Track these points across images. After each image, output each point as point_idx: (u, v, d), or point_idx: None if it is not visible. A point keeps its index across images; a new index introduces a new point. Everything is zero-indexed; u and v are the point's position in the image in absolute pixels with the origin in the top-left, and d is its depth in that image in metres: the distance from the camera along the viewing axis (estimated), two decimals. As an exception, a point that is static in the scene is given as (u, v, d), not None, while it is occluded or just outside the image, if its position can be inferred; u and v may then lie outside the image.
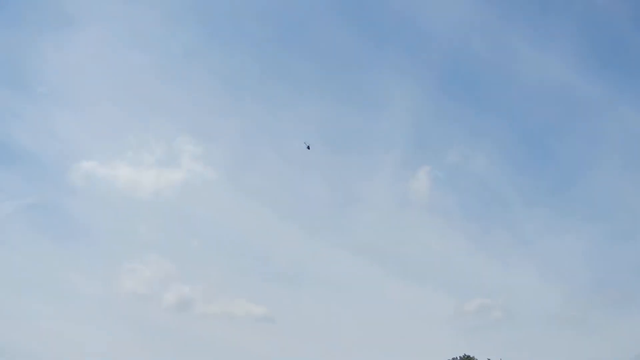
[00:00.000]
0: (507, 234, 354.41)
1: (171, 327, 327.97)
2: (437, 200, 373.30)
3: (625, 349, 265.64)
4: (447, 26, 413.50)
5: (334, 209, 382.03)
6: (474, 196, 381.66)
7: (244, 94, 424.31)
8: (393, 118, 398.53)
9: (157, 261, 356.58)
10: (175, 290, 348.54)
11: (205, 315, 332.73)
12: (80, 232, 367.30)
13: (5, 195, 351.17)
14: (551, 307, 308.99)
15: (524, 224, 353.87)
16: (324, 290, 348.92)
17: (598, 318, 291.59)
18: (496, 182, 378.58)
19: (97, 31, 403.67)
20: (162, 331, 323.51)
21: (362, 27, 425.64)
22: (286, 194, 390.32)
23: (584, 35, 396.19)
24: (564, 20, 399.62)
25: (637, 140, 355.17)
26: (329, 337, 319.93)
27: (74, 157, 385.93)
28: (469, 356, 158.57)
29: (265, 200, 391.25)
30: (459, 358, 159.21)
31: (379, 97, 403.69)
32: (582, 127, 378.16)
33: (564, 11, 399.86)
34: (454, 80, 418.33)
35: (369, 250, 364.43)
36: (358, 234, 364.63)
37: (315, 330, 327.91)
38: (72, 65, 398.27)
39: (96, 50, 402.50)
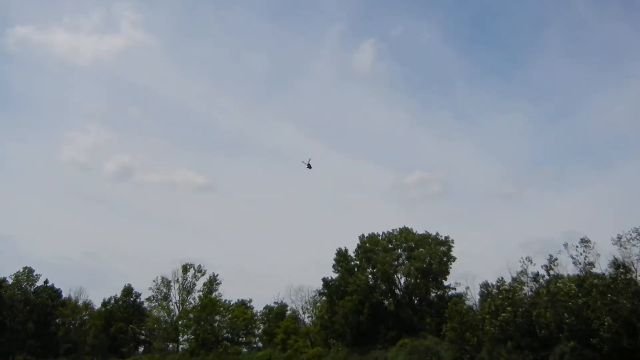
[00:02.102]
0: (448, 110, 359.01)
1: (111, 196, 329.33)
2: (381, 73, 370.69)
3: (556, 226, 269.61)
4: None
5: (278, 80, 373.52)
6: (418, 71, 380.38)
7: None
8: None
9: (96, 130, 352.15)
10: (115, 159, 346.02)
11: (145, 184, 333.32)
12: (16, 100, 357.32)
13: None
14: (489, 183, 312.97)
15: (465, 102, 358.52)
16: (266, 161, 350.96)
17: (533, 195, 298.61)
18: (441, 59, 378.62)
19: None
20: (103, 200, 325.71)
21: None
22: (230, 63, 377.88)
23: None
24: None
25: (579, 25, 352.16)
26: (269, 207, 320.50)
27: (7, 22, 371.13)
28: (407, 228, 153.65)
29: (208, 69, 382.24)
30: (398, 229, 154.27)
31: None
32: (528, 9, 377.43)
33: None
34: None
35: (312, 122, 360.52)
36: (301, 106, 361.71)
37: (255, 200, 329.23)
38: None
39: None
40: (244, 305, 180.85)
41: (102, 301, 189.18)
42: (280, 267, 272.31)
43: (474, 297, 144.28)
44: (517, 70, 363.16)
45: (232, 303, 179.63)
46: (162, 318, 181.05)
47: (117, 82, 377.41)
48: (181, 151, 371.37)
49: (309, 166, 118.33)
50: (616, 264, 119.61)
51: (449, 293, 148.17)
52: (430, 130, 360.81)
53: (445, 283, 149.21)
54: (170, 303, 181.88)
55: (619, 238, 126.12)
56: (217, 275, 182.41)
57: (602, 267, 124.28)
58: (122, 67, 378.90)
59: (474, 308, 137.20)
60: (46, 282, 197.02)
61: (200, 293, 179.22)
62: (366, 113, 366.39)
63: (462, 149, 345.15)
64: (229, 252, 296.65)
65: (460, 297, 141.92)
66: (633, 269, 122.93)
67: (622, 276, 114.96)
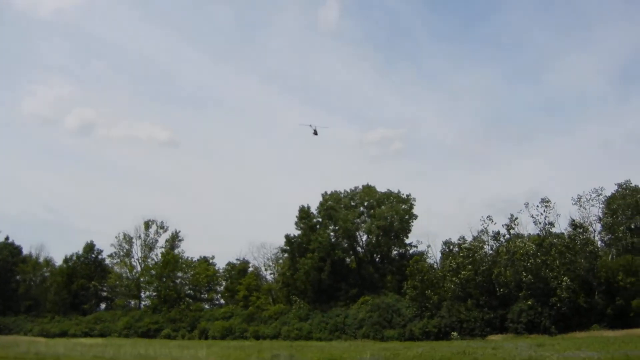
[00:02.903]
0: (412, 67, 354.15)
1: (74, 151, 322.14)
2: (346, 29, 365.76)
3: (518, 184, 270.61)
4: None
5: (243, 34, 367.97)
6: (383, 28, 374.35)
7: None
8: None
9: (59, 83, 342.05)
10: (78, 113, 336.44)
11: (108, 138, 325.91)
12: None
13: None
14: (452, 141, 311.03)
15: (429, 59, 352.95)
16: (230, 116, 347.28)
17: (496, 154, 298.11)
18: (406, 15, 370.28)
19: None
20: (65, 154, 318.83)
21: None
22: (194, 16, 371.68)
23: None
24: None
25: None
26: (234, 162, 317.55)
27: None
28: (369, 185, 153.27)
29: (172, 22, 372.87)
30: (360, 187, 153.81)
31: None
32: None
33: None
34: None
35: (276, 77, 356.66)
36: (266, 60, 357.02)
37: (219, 155, 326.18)
38: None
39: None
40: (206, 262, 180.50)
41: (63, 258, 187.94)
42: (243, 223, 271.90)
43: (435, 255, 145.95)
44: (483, 27, 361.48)
45: (194, 260, 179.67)
46: (124, 275, 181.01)
47: (80, 34, 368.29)
48: (145, 106, 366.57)
49: (315, 132, 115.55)
50: (574, 224, 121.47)
51: (411, 251, 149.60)
52: (394, 87, 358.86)
53: (407, 241, 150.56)
54: (132, 259, 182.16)
55: (579, 198, 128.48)
56: (180, 231, 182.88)
57: (561, 226, 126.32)
58: (85, 20, 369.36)
59: (435, 266, 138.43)
60: (7, 238, 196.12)
61: (163, 249, 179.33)
62: (330, 69, 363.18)
63: (426, 106, 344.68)
64: (192, 208, 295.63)
65: (421, 255, 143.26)
66: (591, 229, 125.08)
67: (580, 236, 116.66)
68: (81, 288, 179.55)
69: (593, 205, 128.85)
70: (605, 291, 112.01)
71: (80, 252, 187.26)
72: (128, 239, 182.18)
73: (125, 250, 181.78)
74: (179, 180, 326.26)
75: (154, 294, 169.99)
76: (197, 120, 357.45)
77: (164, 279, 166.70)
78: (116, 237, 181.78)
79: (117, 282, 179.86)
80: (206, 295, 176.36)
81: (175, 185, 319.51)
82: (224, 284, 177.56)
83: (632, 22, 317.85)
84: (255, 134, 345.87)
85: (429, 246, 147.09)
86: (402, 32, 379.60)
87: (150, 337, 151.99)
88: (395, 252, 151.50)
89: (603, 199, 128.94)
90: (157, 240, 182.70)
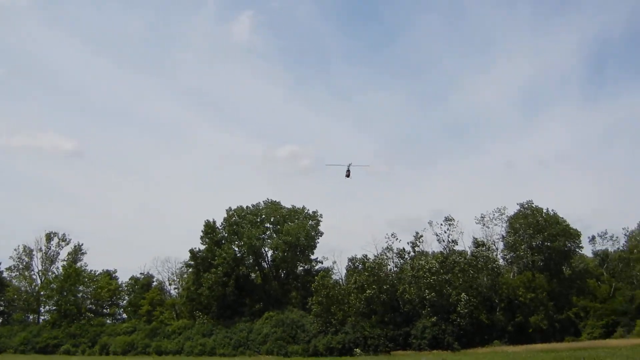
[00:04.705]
0: (324, 85, 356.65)
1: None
2: (258, 45, 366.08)
3: (424, 203, 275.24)
4: None
5: (154, 47, 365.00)
6: (295, 45, 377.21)
7: None
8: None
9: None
10: None
11: (8, 148, 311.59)
12: None
13: None
14: (361, 159, 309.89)
15: (341, 78, 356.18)
16: (139, 128, 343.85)
17: (403, 173, 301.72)
18: (318, 33, 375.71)
19: None
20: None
21: None
22: (104, 26, 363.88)
23: None
24: None
25: (457, 6, 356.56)
26: (141, 175, 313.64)
27: None
28: (274, 201, 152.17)
29: (80, 31, 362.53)
30: (263, 203, 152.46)
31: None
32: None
33: None
34: None
35: (187, 90, 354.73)
36: (177, 73, 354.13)
37: (126, 168, 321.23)
38: None
39: None
40: (109, 275, 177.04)
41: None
42: (148, 237, 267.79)
43: (340, 272, 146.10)
44: (393, 47, 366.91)
45: (97, 273, 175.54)
46: (22, 288, 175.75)
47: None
48: (48, 114, 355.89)
49: (348, 174, 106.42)
50: (477, 242, 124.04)
51: (316, 267, 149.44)
52: (304, 105, 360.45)
53: (313, 257, 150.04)
54: (32, 273, 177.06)
55: (482, 217, 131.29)
56: (82, 244, 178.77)
57: (465, 245, 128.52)
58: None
59: (341, 282, 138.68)
60: None
61: (64, 262, 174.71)
62: (241, 85, 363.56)
63: (336, 124, 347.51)
64: (96, 221, 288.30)
65: (327, 272, 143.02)
66: (494, 247, 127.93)
67: (483, 254, 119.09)
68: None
69: (496, 225, 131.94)
70: (506, 308, 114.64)
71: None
72: (28, 252, 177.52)
73: (24, 263, 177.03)
74: (83, 192, 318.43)
75: (54, 308, 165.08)
76: (105, 131, 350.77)
77: (65, 293, 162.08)
78: (15, 250, 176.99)
79: (15, 296, 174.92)
80: (108, 310, 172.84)
81: (79, 196, 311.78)
82: (127, 298, 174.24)
83: (535, 45, 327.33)
84: (164, 147, 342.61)
85: (334, 262, 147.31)
86: (314, 50, 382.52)
87: (48, 353, 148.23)
88: (300, 268, 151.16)
89: (506, 218, 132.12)
90: (58, 253, 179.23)
